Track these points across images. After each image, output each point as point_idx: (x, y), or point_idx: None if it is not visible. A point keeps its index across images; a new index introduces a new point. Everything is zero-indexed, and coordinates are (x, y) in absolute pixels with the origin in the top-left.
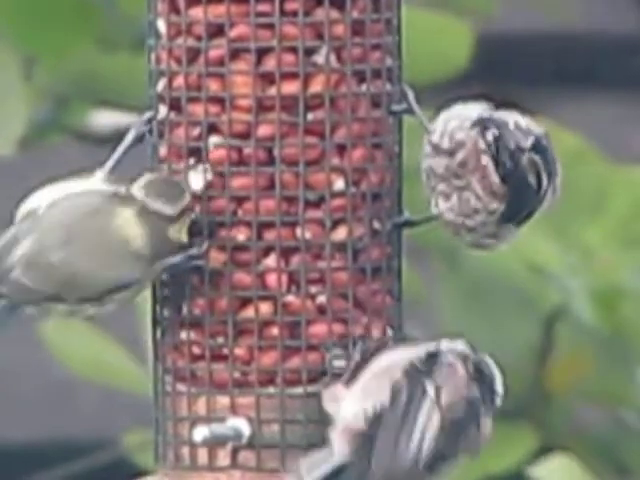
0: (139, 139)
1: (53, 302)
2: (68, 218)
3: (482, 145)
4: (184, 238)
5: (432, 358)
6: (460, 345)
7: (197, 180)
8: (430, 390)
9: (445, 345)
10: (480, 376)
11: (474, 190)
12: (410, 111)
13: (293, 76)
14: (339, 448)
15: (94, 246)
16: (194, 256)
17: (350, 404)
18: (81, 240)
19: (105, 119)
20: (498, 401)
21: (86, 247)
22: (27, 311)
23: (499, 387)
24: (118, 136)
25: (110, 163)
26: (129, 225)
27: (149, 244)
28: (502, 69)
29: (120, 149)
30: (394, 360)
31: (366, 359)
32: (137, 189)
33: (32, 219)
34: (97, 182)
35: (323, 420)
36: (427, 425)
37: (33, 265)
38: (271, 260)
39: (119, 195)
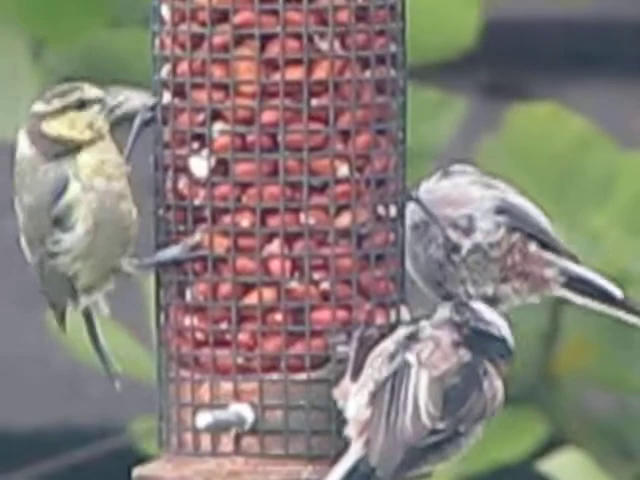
0: (145, 124)
1: (52, 259)
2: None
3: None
4: (71, 135)
5: (412, 335)
6: (446, 311)
7: (201, 167)
8: (411, 358)
9: (425, 321)
10: (477, 336)
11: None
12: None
13: (297, 62)
14: (353, 443)
15: (21, 185)
16: (192, 246)
17: (353, 397)
18: (18, 189)
19: (113, 99)
20: (509, 349)
21: (23, 190)
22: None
23: (505, 333)
24: (127, 116)
25: (125, 152)
26: (21, 138)
27: (32, 144)
28: (509, 53)
29: (130, 138)
30: (383, 346)
31: (366, 346)
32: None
33: None
34: None
35: (326, 406)
36: (417, 390)
37: (25, 241)
38: (275, 246)
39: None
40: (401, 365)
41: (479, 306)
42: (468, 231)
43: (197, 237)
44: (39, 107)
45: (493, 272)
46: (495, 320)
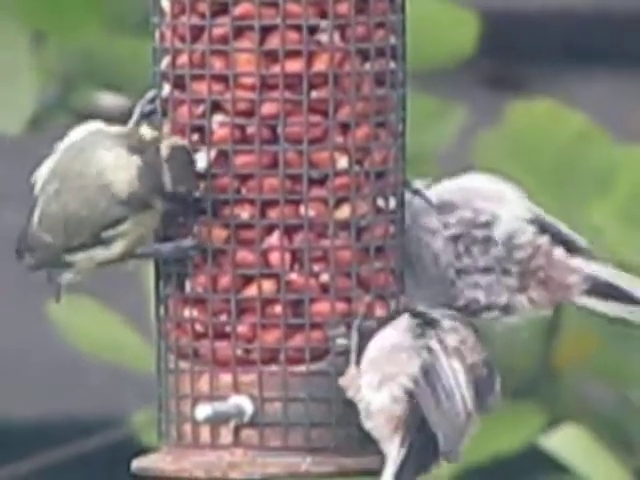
0: (146, 116)
1: (69, 254)
2: (61, 163)
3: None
4: (159, 207)
5: (427, 322)
6: (443, 311)
7: (201, 158)
8: (437, 346)
9: (435, 312)
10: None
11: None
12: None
13: (297, 54)
14: (389, 443)
15: (77, 189)
16: (186, 247)
17: (374, 391)
18: (67, 184)
19: (111, 101)
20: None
21: (71, 191)
22: (55, 275)
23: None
24: (124, 118)
25: None
26: (116, 166)
27: (129, 194)
28: (510, 46)
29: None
30: (397, 339)
31: (366, 337)
32: (165, 147)
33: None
34: (116, 127)
35: (326, 399)
36: (457, 378)
37: (43, 218)
38: (274, 238)
39: (129, 139)
40: (429, 354)
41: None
42: (486, 226)
43: (190, 241)
44: (168, 184)
45: (511, 277)
46: None
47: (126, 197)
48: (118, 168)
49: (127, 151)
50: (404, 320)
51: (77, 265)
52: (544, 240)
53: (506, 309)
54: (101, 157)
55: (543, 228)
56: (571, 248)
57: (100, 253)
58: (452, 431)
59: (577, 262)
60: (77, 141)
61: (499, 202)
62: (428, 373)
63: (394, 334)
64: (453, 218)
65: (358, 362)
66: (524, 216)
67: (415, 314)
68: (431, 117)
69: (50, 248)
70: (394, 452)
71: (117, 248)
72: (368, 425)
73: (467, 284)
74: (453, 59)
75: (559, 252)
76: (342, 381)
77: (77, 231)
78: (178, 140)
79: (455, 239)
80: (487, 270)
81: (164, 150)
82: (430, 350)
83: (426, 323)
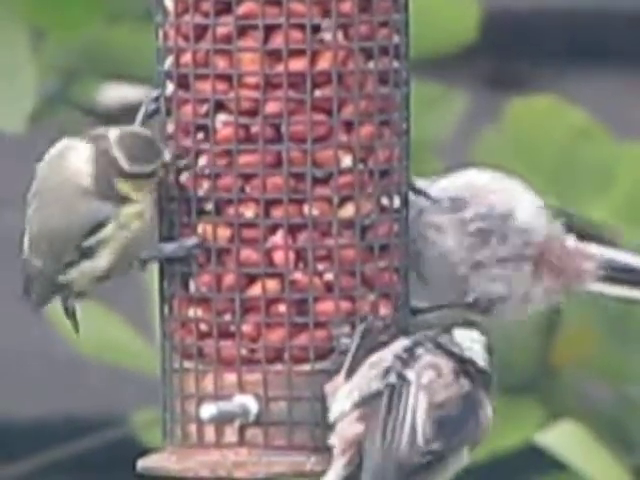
0: (149, 116)
1: (62, 274)
2: (38, 182)
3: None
4: (135, 197)
5: (411, 350)
6: (440, 337)
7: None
8: (411, 376)
9: (425, 339)
10: (466, 366)
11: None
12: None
13: (300, 53)
14: (335, 461)
15: (54, 200)
16: (190, 246)
17: (342, 399)
18: (45, 199)
19: (113, 93)
20: (491, 379)
21: (49, 204)
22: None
23: (484, 364)
24: (126, 111)
25: None
26: (80, 162)
27: (95, 182)
28: (510, 44)
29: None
30: (381, 357)
31: (367, 342)
32: (113, 132)
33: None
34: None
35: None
36: (416, 411)
37: (31, 241)
38: (278, 237)
39: (89, 135)
40: (398, 382)
41: (460, 334)
42: (505, 217)
43: (194, 240)
44: (122, 161)
45: (526, 266)
46: (476, 350)
47: (93, 186)
48: (78, 161)
49: (83, 143)
50: (399, 342)
51: (74, 285)
52: (557, 227)
53: (523, 299)
54: (69, 160)
55: (555, 216)
56: (584, 235)
57: (87, 267)
58: (383, 460)
59: (592, 248)
60: (51, 156)
61: (509, 194)
62: (389, 400)
63: (382, 354)
64: (468, 214)
65: (350, 371)
66: (536, 205)
67: (414, 341)
68: (432, 103)
69: (43, 273)
70: (338, 469)
71: (103, 259)
72: (330, 441)
73: (484, 278)
74: (455, 47)
75: (573, 239)
76: (327, 387)
77: (63, 245)
78: (130, 128)
79: (475, 234)
80: (505, 261)
81: (112, 135)
82: (404, 380)
83: (412, 352)
